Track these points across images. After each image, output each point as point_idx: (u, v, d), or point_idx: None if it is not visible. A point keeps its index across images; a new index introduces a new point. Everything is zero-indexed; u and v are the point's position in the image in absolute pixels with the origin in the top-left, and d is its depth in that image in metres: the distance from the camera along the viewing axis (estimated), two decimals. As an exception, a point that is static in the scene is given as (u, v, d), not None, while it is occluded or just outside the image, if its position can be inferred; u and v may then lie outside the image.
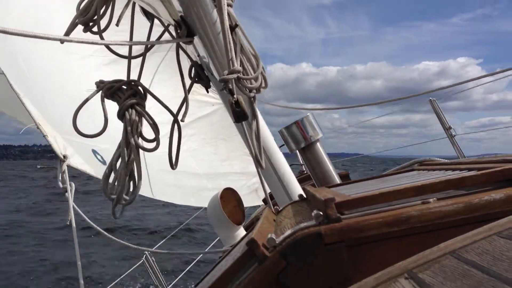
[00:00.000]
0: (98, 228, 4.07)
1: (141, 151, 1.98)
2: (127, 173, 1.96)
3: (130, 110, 1.99)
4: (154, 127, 2.02)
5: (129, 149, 1.95)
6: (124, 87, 2.04)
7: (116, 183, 1.97)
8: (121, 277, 5.82)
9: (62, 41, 1.64)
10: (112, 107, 2.04)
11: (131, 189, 1.99)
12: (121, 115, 2.00)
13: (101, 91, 2.03)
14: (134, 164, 1.97)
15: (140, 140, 1.99)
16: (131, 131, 1.95)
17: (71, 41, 1.60)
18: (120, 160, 1.98)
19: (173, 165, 2.11)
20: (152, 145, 2.01)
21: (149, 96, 2.12)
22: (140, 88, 2.08)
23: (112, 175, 1.99)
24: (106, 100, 2.04)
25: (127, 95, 2.01)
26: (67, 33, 1.98)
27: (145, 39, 2.23)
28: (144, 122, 2.03)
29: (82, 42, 1.60)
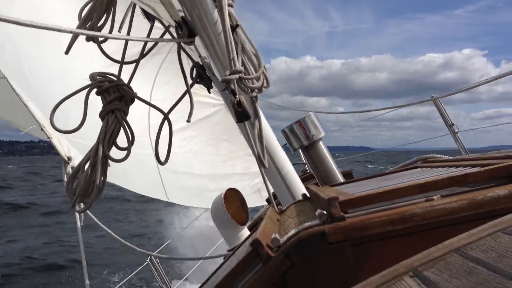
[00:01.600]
0: (106, 228, 4.08)
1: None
2: (90, 179, 1.94)
3: (110, 114, 1.98)
4: (129, 137, 2.00)
5: (96, 156, 1.93)
6: (112, 89, 2.04)
7: (78, 187, 1.96)
8: (127, 278, 5.83)
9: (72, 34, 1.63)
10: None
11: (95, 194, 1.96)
12: (101, 117, 2.00)
13: (88, 88, 2.02)
14: (99, 173, 1.94)
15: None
16: (103, 138, 1.94)
17: (76, 32, 1.59)
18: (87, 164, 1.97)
19: (160, 160, 2.10)
20: (122, 154, 1.99)
21: (153, 98, 2.11)
22: (128, 92, 2.06)
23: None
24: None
25: (112, 98, 2.00)
26: (70, 44, 1.99)
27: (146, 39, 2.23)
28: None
29: (81, 33, 1.59)
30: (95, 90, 2.02)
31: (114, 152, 1.98)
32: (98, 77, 2.03)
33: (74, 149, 4.09)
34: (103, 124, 1.97)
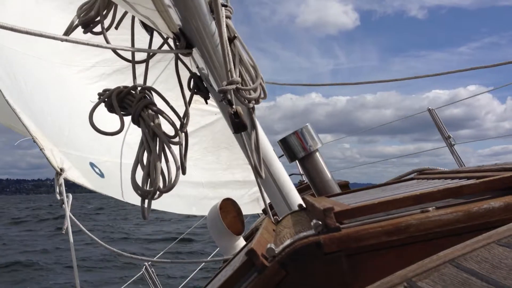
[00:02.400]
0: (97, 239, 4.05)
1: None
2: (159, 165, 1.92)
3: (145, 110, 1.98)
4: (173, 123, 2.00)
5: (156, 140, 1.92)
6: (133, 91, 2.04)
7: (148, 177, 1.93)
8: (122, 288, 5.78)
9: (62, 40, 1.62)
10: (110, 119, 2.02)
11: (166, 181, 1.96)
12: (136, 118, 1.98)
13: (107, 99, 2.02)
14: (166, 153, 1.94)
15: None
16: (153, 126, 1.93)
17: (67, 40, 1.58)
18: (146, 155, 1.95)
19: (184, 170, 2.09)
20: (176, 140, 1.99)
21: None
22: (148, 92, 2.07)
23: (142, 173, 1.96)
24: (101, 111, 2.02)
25: (138, 97, 1.99)
26: (66, 33, 1.98)
27: (147, 47, 2.24)
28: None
29: (84, 43, 1.59)
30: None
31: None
32: (106, 92, 2.03)
33: (67, 161, 4.07)
34: (143, 119, 1.96)
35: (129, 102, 2.01)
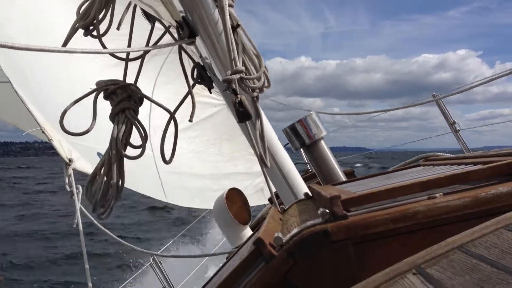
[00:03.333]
0: (106, 231, 4.08)
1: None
2: (108, 181, 1.93)
3: (121, 114, 1.98)
4: (143, 134, 2.00)
5: (112, 155, 1.93)
6: (120, 90, 2.04)
7: (96, 191, 1.95)
8: (128, 280, 5.83)
9: (62, 52, 1.64)
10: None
11: (113, 195, 1.96)
12: (111, 118, 1.99)
13: (95, 92, 2.02)
14: (114, 172, 1.94)
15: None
16: (116, 137, 1.94)
17: (71, 52, 1.60)
18: (103, 168, 1.96)
19: (165, 159, 2.10)
20: (136, 152, 1.98)
21: (155, 99, 2.11)
22: (135, 91, 2.06)
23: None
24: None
25: (120, 99, 1.99)
26: (68, 38, 1.98)
27: (145, 40, 2.23)
28: None
29: (82, 52, 1.60)
30: (102, 94, 2.02)
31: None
32: (104, 83, 2.04)
33: (75, 151, 4.09)
34: (114, 125, 1.96)
35: (111, 102, 2.02)
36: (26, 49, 1.30)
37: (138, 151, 1.98)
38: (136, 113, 2.02)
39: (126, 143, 1.96)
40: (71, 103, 1.99)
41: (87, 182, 1.99)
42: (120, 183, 1.96)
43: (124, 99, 1.99)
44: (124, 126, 1.95)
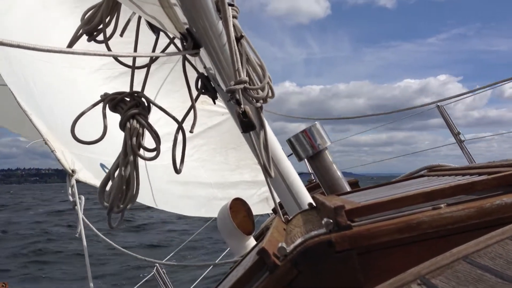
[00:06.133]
0: (108, 241, 4.07)
1: (146, 162, 1.98)
2: (123, 181, 1.95)
3: (131, 120, 1.99)
4: (156, 137, 2.01)
5: (127, 158, 1.94)
6: (127, 98, 2.05)
7: (111, 192, 1.97)
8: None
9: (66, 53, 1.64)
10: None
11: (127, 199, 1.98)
12: (122, 125, 2.00)
13: (102, 102, 2.04)
14: (132, 173, 1.96)
15: (142, 151, 1.99)
16: (131, 140, 1.95)
17: (73, 53, 1.60)
18: (118, 169, 1.98)
19: (177, 169, 2.11)
20: (151, 155, 2.00)
21: (156, 108, 2.12)
22: (143, 99, 2.08)
23: (110, 184, 1.99)
24: (113, 113, 2.05)
25: (129, 106, 2.01)
26: (71, 43, 2.00)
27: (151, 50, 2.25)
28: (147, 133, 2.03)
29: (87, 54, 1.61)
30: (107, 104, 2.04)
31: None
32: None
33: (78, 162, 4.09)
34: (126, 131, 1.97)
35: (120, 110, 2.03)
36: (34, 49, 1.30)
37: (152, 153, 2.00)
38: (147, 118, 2.03)
39: (139, 146, 1.97)
40: (80, 113, 2.01)
41: (100, 186, 2.00)
42: (136, 185, 1.98)
43: (133, 106, 2.01)
44: (135, 131, 1.96)
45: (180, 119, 2.17)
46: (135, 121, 1.98)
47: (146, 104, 2.08)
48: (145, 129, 2.01)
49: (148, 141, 2.03)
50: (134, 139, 1.95)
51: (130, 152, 1.93)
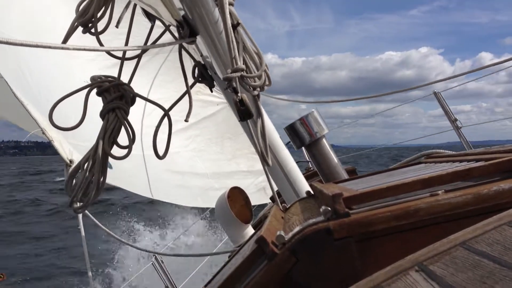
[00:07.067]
0: (108, 231, 4.09)
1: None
2: (90, 176, 1.93)
3: (111, 113, 1.98)
4: (130, 135, 2.00)
5: (96, 153, 1.93)
6: (113, 88, 2.03)
7: (77, 184, 1.96)
8: (131, 279, 5.84)
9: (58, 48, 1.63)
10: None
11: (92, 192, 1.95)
12: (102, 116, 1.99)
13: (89, 88, 2.03)
14: (99, 172, 1.93)
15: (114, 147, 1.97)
16: (103, 135, 1.94)
17: (67, 48, 1.59)
18: (86, 164, 1.96)
19: (158, 155, 2.10)
20: (123, 152, 1.98)
21: (157, 97, 2.11)
22: (128, 91, 2.06)
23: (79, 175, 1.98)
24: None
25: (112, 97, 2.00)
26: (67, 36, 1.98)
27: (144, 40, 2.23)
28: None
29: (79, 49, 1.59)
30: (95, 90, 2.03)
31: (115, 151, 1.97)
32: (99, 79, 2.04)
33: (76, 152, 4.09)
34: (104, 123, 1.96)
35: (104, 99, 2.02)
36: (22, 44, 1.29)
37: (125, 151, 1.98)
38: (127, 113, 2.01)
39: (114, 142, 1.96)
40: (62, 97, 2.00)
41: (68, 175, 1.99)
42: (102, 180, 1.96)
43: (116, 97, 1.99)
44: (112, 125, 1.95)
45: (176, 110, 2.16)
46: (114, 114, 1.97)
47: (131, 95, 2.06)
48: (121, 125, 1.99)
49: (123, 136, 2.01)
50: (108, 133, 1.93)
51: (99, 147, 1.91)
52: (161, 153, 2.11)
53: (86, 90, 2.03)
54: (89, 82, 2.04)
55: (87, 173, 1.93)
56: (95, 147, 1.93)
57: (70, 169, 1.99)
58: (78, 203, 1.96)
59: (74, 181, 1.98)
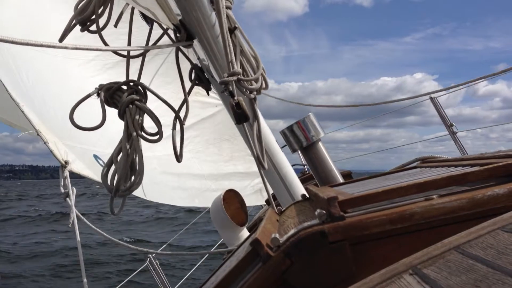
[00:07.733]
0: (101, 232, 4.06)
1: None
2: (127, 165, 1.93)
3: (130, 106, 1.98)
4: (157, 121, 2.00)
5: (130, 141, 1.92)
6: (124, 87, 2.03)
7: (116, 175, 1.95)
8: (125, 280, 5.81)
9: (56, 48, 1.63)
10: (114, 112, 2.03)
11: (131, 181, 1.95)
12: (121, 113, 1.98)
13: (99, 92, 2.02)
14: (135, 155, 1.94)
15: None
16: (132, 125, 1.93)
17: (66, 47, 1.59)
18: (121, 154, 1.96)
19: (178, 157, 2.10)
20: (154, 138, 1.99)
21: (151, 99, 2.10)
22: (140, 88, 2.06)
23: (113, 168, 1.97)
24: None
25: (128, 93, 1.99)
26: (64, 35, 1.97)
27: (146, 39, 2.23)
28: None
29: (82, 49, 1.60)
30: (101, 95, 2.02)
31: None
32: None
33: (71, 153, 4.08)
34: (126, 118, 1.95)
35: (117, 98, 2.01)
36: (27, 44, 1.29)
37: (155, 137, 1.98)
38: (145, 103, 2.01)
39: (141, 130, 1.95)
40: (78, 101, 1.99)
41: (103, 169, 1.97)
42: (141, 164, 1.96)
43: (131, 93, 1.99)
44: (135, 116, 1.94)
45: (169, 113, 2.16)
46: (134, 107, 1.96)
47: (142, 92, 2.06)
48: (144, 115, 1.99)
49: (148, 125, 2.01)
50: (136, 122, 1.93)
51: (133, 132, 1.91)
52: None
53: (93, 96, 2.02)
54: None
55: (127, 157, 1.92)
56: (126, 137, 1.92)
57: (106, 162, 1.98)
58: (121, 192, 1.95)
59: (109, 173, 1.97)
